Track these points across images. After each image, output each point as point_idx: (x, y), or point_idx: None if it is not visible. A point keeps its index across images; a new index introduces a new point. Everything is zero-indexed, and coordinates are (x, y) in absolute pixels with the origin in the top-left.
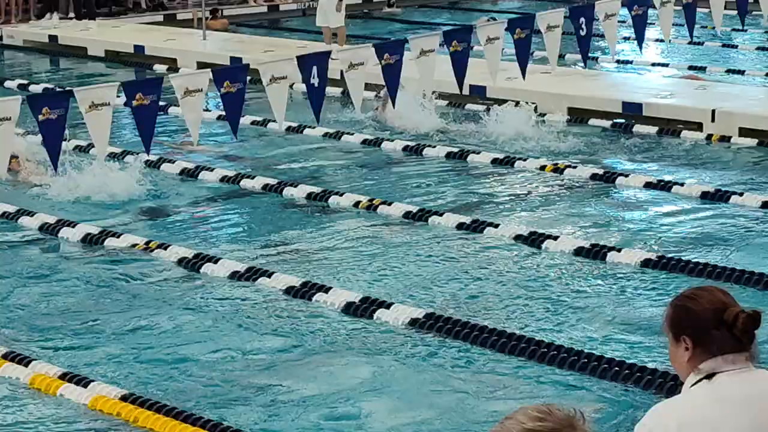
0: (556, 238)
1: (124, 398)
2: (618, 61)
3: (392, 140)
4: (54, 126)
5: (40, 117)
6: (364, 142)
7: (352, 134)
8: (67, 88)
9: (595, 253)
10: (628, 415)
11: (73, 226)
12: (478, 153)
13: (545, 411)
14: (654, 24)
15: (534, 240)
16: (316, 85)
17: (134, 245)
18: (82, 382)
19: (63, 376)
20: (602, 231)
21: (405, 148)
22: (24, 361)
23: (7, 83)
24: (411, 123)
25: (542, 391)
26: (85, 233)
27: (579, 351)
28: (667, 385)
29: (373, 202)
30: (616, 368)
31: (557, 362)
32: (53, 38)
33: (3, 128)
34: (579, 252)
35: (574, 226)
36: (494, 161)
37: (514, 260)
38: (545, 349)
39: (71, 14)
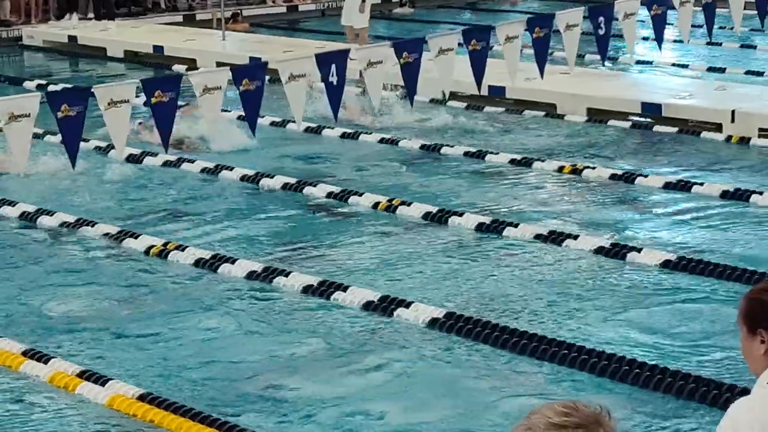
0: (576, 237)
1: (141, 398)
2: (637, 62)
3: (410, 139)
4: (73, 123)
5: (59, 114)
6: (382, 141)
7: (370, 133)
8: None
9: (615, 252)
10: (647, 418)
11: (93, 226)
12: (497, 153)
13: (571, 406)
14: (673, 24)
15: (554, 239)
16: (335, 83)
17: (151, 247)
18: (101, 380)
19: (81, 374)
20: (622, 231)
21: (422, 147)
22: (43, 358)
23: (27, 83)
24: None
25: (562, 393)
26: (104, 233)
27: (600, 352)
28: (688, 387)
29: (393, 202)
30: (637, 370)
31: (578, 364)
32: (73, 39)
33: (22, 125)
34: (599, 251)
35: (593, 226)
36: (512, 161)
37: (534, 260)
38: (566, 351)
39: (90, 15)
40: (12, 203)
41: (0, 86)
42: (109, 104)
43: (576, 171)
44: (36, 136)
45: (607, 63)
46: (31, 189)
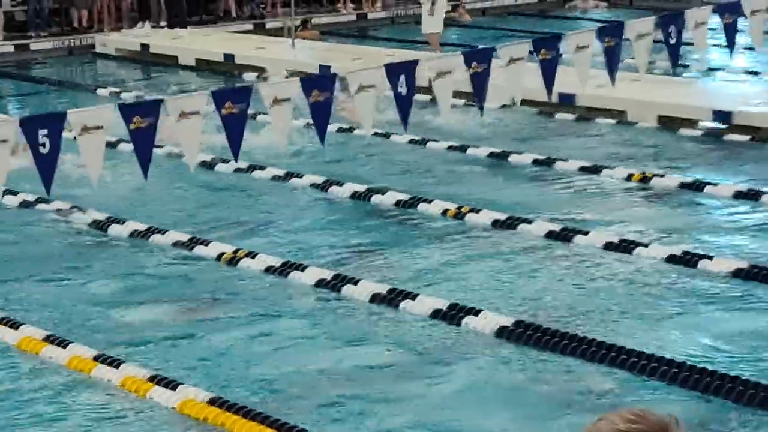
0: (647, 245)
1: (211, 402)
2: (708, 69)
3: (478, 147)
4: (145, 134)
5: (132, 126)
6: (450, 148)
7: (437, 141)
8: (158, 97)
9: (687, 261)
10: (719, 427)
11: (164, 234)
12: (566, 160)
13: (639, 414)
14: (743, 31)
15: (625, 248)
16: (404, 93)
17: (222, 254)
18: (171, 385)
19: (152, 379)
20: (692, 240)
21: (490, 154)
22: (115, 363)
23: (100, 91)
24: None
25: (633, 401)
26: (175, 240)
27: (669, 360)
28: (759, 396)
29: (462, 209)
30: (708, 378)
31: (647, 371)
32: (145, 47)
33: (96, 136)
34: (670, 260)
35: (663, 234)
36: (581, 169)
37: (604, 268)
38: (636, 358)
39: (163, 23)
40: (83, 211)
41: (73, 94)
42: (180, 116)
43: (645, 179)
44: (109, 144)
45: (677, 71)
46: (103, 197)
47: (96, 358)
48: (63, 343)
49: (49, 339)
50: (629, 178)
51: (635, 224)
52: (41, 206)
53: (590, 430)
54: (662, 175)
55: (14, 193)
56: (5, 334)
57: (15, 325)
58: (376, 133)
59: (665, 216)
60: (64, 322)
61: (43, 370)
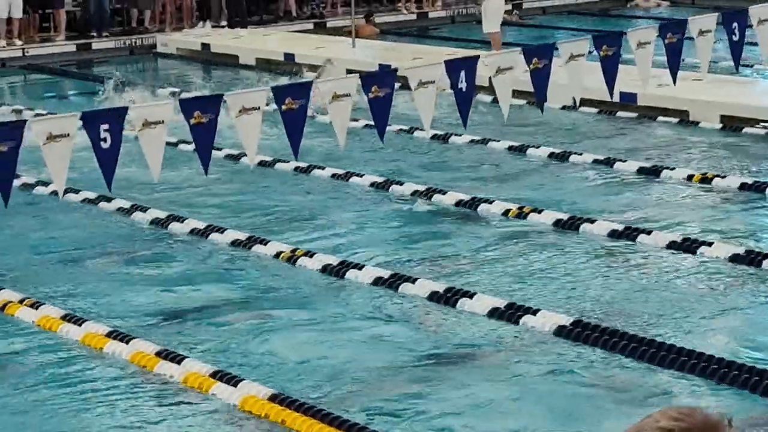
0: (710, 244)
1: (272, 398)
2: None
3: (538, 147)
4: (205, 130)
5: (192, 121)
6: (510, 148)
7: (498, 141)
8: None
9: (751, 260)
10: None
11: (222, 232)
12: (625, 161)
13: (686, 412)
14: None
15: (687, 247)
16: (464, 90)
17: (280, 253)
18: (233, 381)
19: (214, 375)
20: (755, 240)
21: (551, 155)
22: (177, 359)
23: (160, 91)
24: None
25: (694, 402)
26: (233, 239)
27: (730, 361)
28: None
29: (523, 209)
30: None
31: (708, 373)
32: (205, 46)
33: (156, 131)
34: (734, 259)
35: (725, 234)
36: (641, 170)
37: (667, 267)
38: (695, 360)
39: (223, 22)
40: (144, 209)
41: (133, 93)
42: (240, 111)
43: (706, 179)
44: (170, 144)
45: (741, 69)
46: (163, 195)
47: (158, 354)
48: (126, 339)
49: (111, 335)
50: (690, 178)
51: (697, 224)
52: (103, 204)
53: (635, 427)
54: (723, 176)
55: (76, 191)
56: (70, 330)
57: (79, 321)
58: (435, 135)
59: (727, 216)
60: (126, 318)
61: (105, 366)
